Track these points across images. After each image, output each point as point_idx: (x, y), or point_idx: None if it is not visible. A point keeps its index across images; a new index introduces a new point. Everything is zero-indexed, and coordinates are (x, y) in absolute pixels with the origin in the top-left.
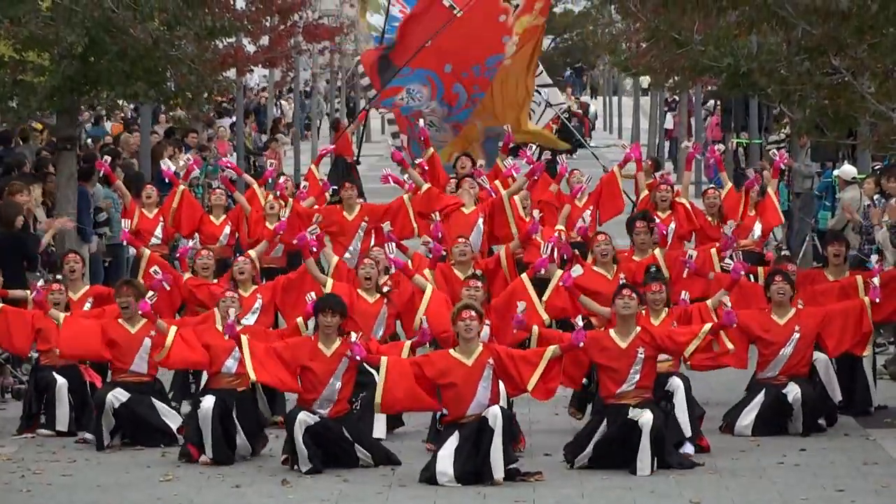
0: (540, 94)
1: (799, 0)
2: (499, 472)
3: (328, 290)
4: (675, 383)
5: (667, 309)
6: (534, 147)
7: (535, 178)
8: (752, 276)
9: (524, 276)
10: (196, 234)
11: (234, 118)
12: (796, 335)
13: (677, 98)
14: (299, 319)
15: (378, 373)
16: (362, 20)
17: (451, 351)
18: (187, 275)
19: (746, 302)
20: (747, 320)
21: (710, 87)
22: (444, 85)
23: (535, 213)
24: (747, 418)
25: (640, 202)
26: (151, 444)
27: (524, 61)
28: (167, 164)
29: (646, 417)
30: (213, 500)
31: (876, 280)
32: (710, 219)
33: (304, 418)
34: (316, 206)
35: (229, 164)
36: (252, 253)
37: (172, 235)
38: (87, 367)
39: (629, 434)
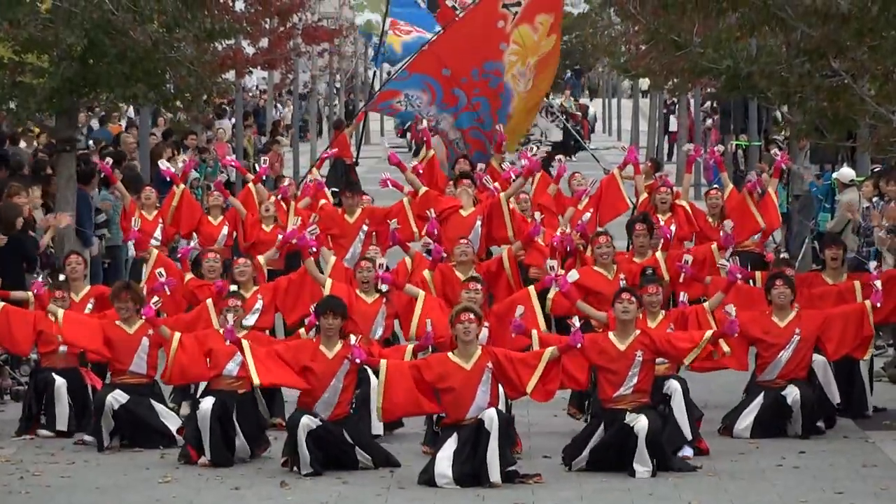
0: (538, 126)
1: (799, 2)
2: (495, 474)
3: (328, 290)
4: (673, 386)
5: (664, 312)
6: (534, 148)
7: (533, 176)
8: (751, 280)
9: (531, 288)
10: (195, 235)
11: (233, 120)
12: (796, 337)
13: (676, 100)
14: (301, 330)
15: (377, 376)
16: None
17: (450, 354)
18: (188, 275)
19: (747, 304)
20: (747, 322)
21: (709, 90)
22: (442, 89)
23: (537, 214)
24: (746, 420)
25: (639, 204)
26: (150, 446)
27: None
28: (166, 165)
29: (641, 423)
30: (212, 501)
31: (878, 283)
32: (710, 220)
33: (307, 422)
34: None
35: (234, 163)
36: (261, 259)
37: (172, 237)
38: (88, 370)
39: (625, 439)
